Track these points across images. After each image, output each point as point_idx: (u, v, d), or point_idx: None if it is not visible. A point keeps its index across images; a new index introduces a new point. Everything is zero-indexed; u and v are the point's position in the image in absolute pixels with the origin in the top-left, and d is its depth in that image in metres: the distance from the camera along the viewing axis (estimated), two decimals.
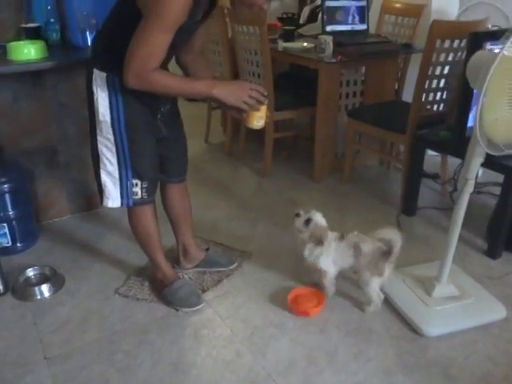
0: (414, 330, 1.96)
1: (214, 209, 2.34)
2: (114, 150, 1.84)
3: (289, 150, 3.67)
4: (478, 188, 3.05)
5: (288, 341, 1.92)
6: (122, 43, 1.59)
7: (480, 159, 1.81)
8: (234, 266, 2.32)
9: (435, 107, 2.83)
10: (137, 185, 1.89)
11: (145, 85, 1.62)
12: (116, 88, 1.74)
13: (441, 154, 3.03)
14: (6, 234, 2.40)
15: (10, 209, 2.38)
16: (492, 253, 2.43)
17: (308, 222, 2.05)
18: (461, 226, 1.98)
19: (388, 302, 2.12)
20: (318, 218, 2.07)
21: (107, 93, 1.75)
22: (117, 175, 1.88)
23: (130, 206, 1.95)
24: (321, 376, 1.76)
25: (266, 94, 1.74)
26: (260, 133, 3.31)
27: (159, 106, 1.88)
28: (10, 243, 2.42)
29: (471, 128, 2.28)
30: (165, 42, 1.58)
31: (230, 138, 3.69)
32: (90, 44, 2.38)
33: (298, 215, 2.08)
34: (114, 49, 1.67)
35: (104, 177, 1.90)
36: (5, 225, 2.39)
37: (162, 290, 2.12)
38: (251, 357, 1.84)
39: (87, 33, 2.43)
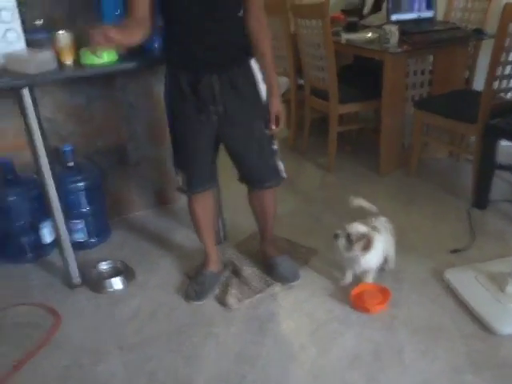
0: (485, 328, 1.89)
1: (279, 204, 2.35)
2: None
3: (353, 143, 3.63)
4: None
5: (353, 336, 1.90)
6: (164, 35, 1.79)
7: None
8: (296, 282, 2.20)
9: (508, 95, 2.68)
10: (178, 174, 2.02)
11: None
12: (166, 77, 1.90)
13: None
14: (82, 229, 2.53)
15: (85, 205, 2.52)
16: None
17: (349, 237, 2.01)
18: None
19: (458, 298, 2.05)
20: (358, 228, 2.03)
21: (165, 83, 1.92)
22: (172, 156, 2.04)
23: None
24: (386, 373, 1.73)
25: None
26: (324, 127, 3.31)
27: (198, 73, 1.80)
28: (86, 238, 2.55)
29: None
30: None
31: (294, 132, 3.69)
32: (156, 46, 2.45)
33: (336, 236, 2.04)
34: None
35: None
36: (81, 220, 2.52)
37: (195, 272, 2.23)
38: (315, 351, 1.84)
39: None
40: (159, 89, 2.61)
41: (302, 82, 3.48)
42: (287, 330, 1.97)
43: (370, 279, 2.13)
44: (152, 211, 2.92)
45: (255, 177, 2.06)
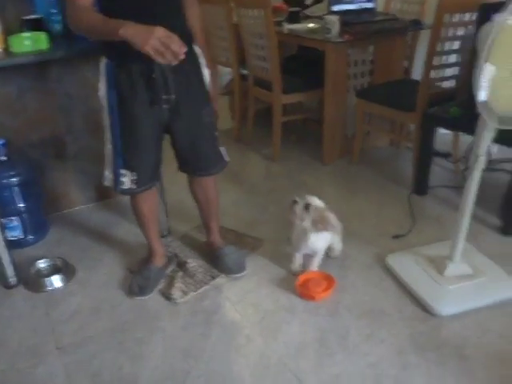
0: (426, 310, 1.94)
1: (224, 195, 2.34)
2: (109, 134, 1.86)
3: (298, 133, 3.65)
4: (493, 165, 2.99)
5: (299, 324, 1.91)
6: None
7: (490, 134, 1.77)
8: (242, 274, 2.19)
9: (445, 84, 2.76)
10: (125, 175, 1.89)
11: (75, 24, 1.65)
12: (109, 71, 1.77)
13: (452, 132, 2.97)
14: (17, 226, 2.41)
15: (20, 202, 2.39)
16: (505, 230, 2.39)
17: (307, 207, 2.02)
18: (474, 204, 1.94)
19: (400, 282, 2.09)
20: (317, 202, 2.04)
21: (104, 76, 1.79)
22: (111, 159, 1.91)
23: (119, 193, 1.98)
24: (332, 358, 1.75)
25: (184, 49, 1.49)
26: (268, 118, 3.30)
27: (151, 62, 1.62)
28: (22, 235, 2.44)
29: (482, 103, 2.24)
30: None
31: (238, 123, 3.66)
32: None
33: (295, 202, 2.04)
34: None
35: (106, 155, 1.93)
36: (16, 217, 2.40)
37: (139, 267, 2.19)
38: (262, 341, 1.84)
39: None
40: (96, 77, 2.54)
41: (245, 72, 3.45)
42: (233, 321, 1.94)
43: (315, 266, 2.14)
44: (92, 206, 2.82)
45: (202, 164, 2.03)
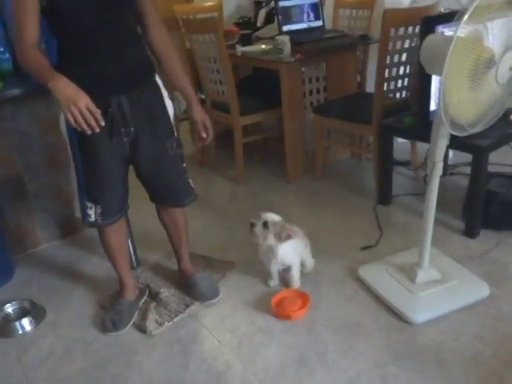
0: (401, 318, 1.96)
1: (192, 220, 2.32)
2: (73, 167, 1.84)
3: (260, 153, 3.67)
4: (451, 170, 3.09)
5: (277, 345, 1.90)
6: (59, 54, 1.69)
7: (445, 141, 1.83)
8: (216, 299, 2.17)
9: (398, 95, 2.85)
10: (91, 208, 1.87)
11: (21, 63, 1.65)
12: None
13: (409, 141, 3.05)
14: None
15: None
16: (470, 232, 2.45)
17: (266, 224, 2.05)
18: (436, 209, 1.99)
19: (373, 293, 2.12)
20: (273, 217, 2.08)
21: None
22: (77, 193, 1.89)
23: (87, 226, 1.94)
24: (313, 377, 1.75)
25: (101, 122, 1.58)
26: (230, 140, 3.31)
27: (107, 95, 1.71)
28: None
29: (434, 112, 2.31)
30: (21, 12, 1.59)
31: (201, 148, 3.66)
32: None
33: (253, 225, 2.07)
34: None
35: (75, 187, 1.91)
36: None
37: (111, 302, 2.15)
38: (241, 366, 1.82)
39: None
40: (52, 113, 2.50)
41: (202, 96, 3.47)
42: (211, 348, 1.92)
43: (296, 281, 2.17)
44: (58, 243, 2.76)
45: (172, 196, 2.02)
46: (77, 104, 1.53)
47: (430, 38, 1.67)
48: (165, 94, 1.88)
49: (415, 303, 2.01)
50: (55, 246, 2.74)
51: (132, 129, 1.78)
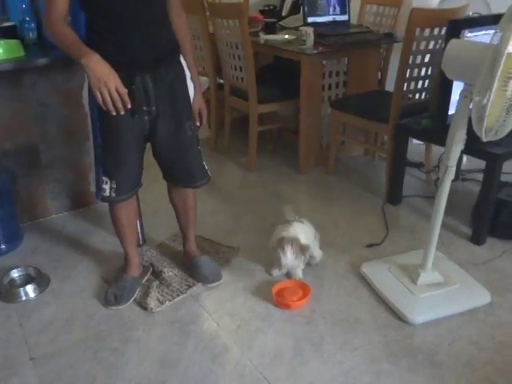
0: (400, 318, 1.97)
1: (201, 203, 2.35)
2: (91, 141, 1.87)
3: (274, 142, 3.67)
4: (463, 175, 3.08)
5: (274, 333, 1.92)
6: (87, 27, 1.68)
7: (460, 146, 1.82)
8: (218, 283, 2.19)
9: (417, 96, 2.83)
10: (106, 182, 1.89)
11: (51, 34, 1.67)
12: None
13: (424, 143, 3.04)
14: None
15: None
16: (476, 239, 2.45)
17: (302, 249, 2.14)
18: (445, 213, 1.99)
19: (374, 291, 2.13)
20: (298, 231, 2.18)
21: (87, 84, 1.74)
22: (94, 166, 1.92)
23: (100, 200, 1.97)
24: (307, 366, 1.77)
25: (128, 105, 1.66)
26: (245, 127, 3.32)
27: (132, 73, 1.73)
28: None
29: (451, 116, 2.30)
30: None
31: (215, 132, 3.68)
32: None
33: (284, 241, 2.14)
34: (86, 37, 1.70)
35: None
36: None
37: (114, 277, 2.17)
38: (238, 350, 1.84)
39: None
40: (72, 85, 2.54)
41: (221, 81, 3.48)
42: (209, 330, 1.95)
43: (299, 275, 2.19)
44: (68, 214, 2.80)
45: (187, 176, 2.05)
46: (107, 84, 1.59)
47: (455, 42, 1.66)
48: (188, 74, 1.90)
49: (415, 304, 2.02)
50: (65, 216, 2.77)
51: (154, 108, 1.80)
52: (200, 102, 1.99)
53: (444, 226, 2.03)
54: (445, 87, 2.22)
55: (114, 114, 1.64)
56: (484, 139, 1.58)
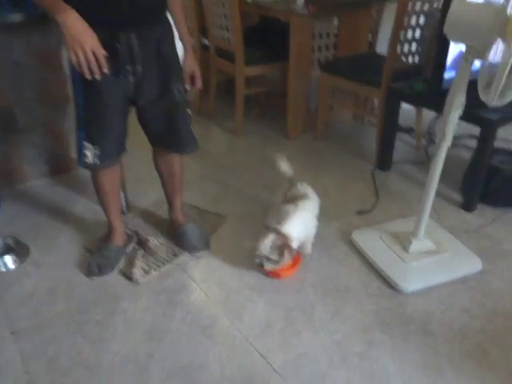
0: (391, 286, 1.94)
1: (187, 170, 2.26)
2: (72, 104, 1.75)
3: (260, 106, 3.57)
4: (453, 141, 3.02)
5: (264, 303, 1.88)
6: None
7: (459, 111, 1.75)
8: (205, 251, 2.13)
9: (410, 59, 2.74)
10: (89, 148, 1.79)
11: None
12: None
13: (416, 108, 2.96)
14: None
15: None
16: (467, 206, 2.42)
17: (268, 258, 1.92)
18: (439, 182, 1.94)
19: (365, 259, 2.09)
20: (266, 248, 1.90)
21: None
22: (75, 131, 1.80)
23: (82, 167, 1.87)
24: (298, 337, 1.73)
25: (104, 69, 1.56)
26: (230, 90, 3.21)
27: (116, 30, 1.60)
28: None
29: (448, 80, 2.23)
30: None
31: (200, 95, 3.55)
32: None
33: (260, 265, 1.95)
34: None
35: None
36: None
37: (98, 246, 2.09)
38: (227, 321, 1.80)
39: None
40: (50, 45, 2.39)
41: (206, 42, 3.33)
42: (197, 300, 1.89)
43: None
44: (47, 180, 2.68)
45: (174, 142, 1.95)
46: (83, 45, 1.49)
47: (458, 3, 1.55)
48: (175, 33, 1.78)
49: (407, 272, 1.99)
50: (44, 183, 2.66)
51: (139, 68, 1.69)
52: (192, 63, 1.86)
53: (435, 192, 1.98)
54: (441, 50, 2.14)
55: (90, 78, 1.54)
56: (491, 104, 1.51)
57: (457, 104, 1.72)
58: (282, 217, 1.94)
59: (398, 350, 1.69)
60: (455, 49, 2.15)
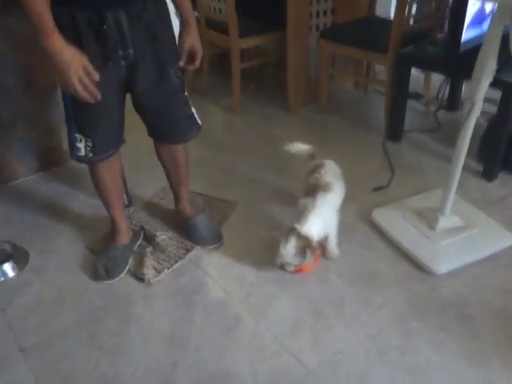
0: (421, 268, 1.83)
1: None
2: (60, 93, 1.58)
3: (256, 80, 3.37)
4: (461, 104, 2.87)
5: (289, 297, 1.75)
6: None
7: (490, 78, 1.61)
8: (219, 244, 1.99)
9: (417, 22, 2.57)
10: (81, 141, 1.63)
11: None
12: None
13: (424, 72, 2.80)
14: None
15: None
16: (488, 175, 2.30)
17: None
18: (450, 147, 1.81)
19: (388, 240, 1.97)
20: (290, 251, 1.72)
21: None
22: (66, 124, 1.64)
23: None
24: (331, 332, 1.61)
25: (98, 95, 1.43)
26: (223, 65, 3.01)
27: (102, 9, 1.41)
28: None
29: (466, 43, 2.07)
30: None
31: (192, 72, 3.34)
32: None
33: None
34: None
35: None
36: None
37: (103, 246, 1.95)
38: (252, 320, 1.67)
39: None
40: (26, 27, 2.17)
41: (196, 13, 3.11)
42: (217, 299, 1.76)
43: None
44: (39, 176, 2.49)
45: (173, 131, 1.79)
46: (71, 76, 1.37)
47: None
48: (171, 8, 1.58)
49: (436, 252, 1.87)
50: (36, 179, 2.47)
51: (131, 51, 1.49)
52: (193, 39, 1.64)
53: (447, 160, 1.84)
54: (458, 11, 1.98)
55: (91, 101, 1.43)
56: None
57: (488, 70, 1.57)
58: (300, 214, 1.76)
59: (439, 339, 1.58)
60: (473, 8, 1.99)
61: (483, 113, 2.65)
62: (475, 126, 1.77)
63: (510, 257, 1.87)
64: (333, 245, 1.87)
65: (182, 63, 1.66)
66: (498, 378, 1.46)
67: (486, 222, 2.00)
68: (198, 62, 1.69)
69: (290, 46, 2.81)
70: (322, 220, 1.76)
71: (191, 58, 1.67)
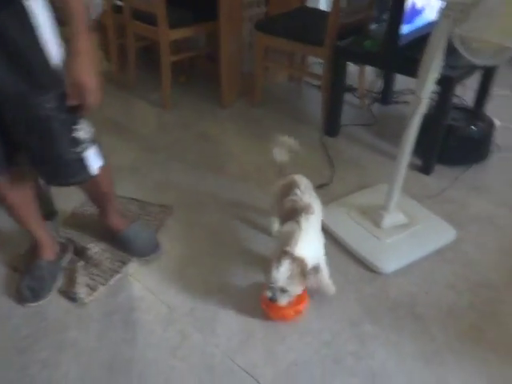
0: (369, 268, 1.79)
1: (115, 155, 1.91)
2: None
3: (186, 73, 3.22)
4: (395, 98, 2.89)
5: (236, 308, 1.65)
6: None
7: (436, 74, 1.57)
8: (157, 254, 1.84)
9: (353, 15, 2.53)
10: None
11: None
12: None
13: (359, 66, 2.78)
14: None
15: None
16: (426, 168, 2.31)
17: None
18: (385, 140, 1.81)
19: (335, 239, 1.91)
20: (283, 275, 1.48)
21: None
22: None
23: None
24: (284, 343, 1.53)
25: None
26: (150, 57, 2.83)
27: None
28: None
29: (406, 36, 2.05)
30: None
31: (117, 65, 3.13)
32: None
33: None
34: None
35: None
36: None
37: (26, 264, 1.75)
38: (200, 336, 1.55)
39: None
40: None
41: (119, 2, 2.90)
42: (159, 316, 1.62)
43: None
44: None
45: (45, 172, 1.49)
46: None
47: None
48: (46, 24, 1.26)
49: (383, 251, 1.85)
50: None
51: None
52: (79, 71, 1.27)
53: (385, 154, 1.81)
54: (397, 5, 1.94)
55: None
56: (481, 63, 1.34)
57: (435, 66, 1.54)
58: (288, 239, 1.54)
59: (393, 341, 1.54)
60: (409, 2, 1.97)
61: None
62: (405, 118, 1.73)
63: (453, 251, 1.88)
64: (326, 277, 1.68)
65: (70, 101, 1.32)
66: (452, 376, 1.44)
67: (428, 216, 2.00)
68: (93, 99, 1.33)
69: (222, 38, 2.68)
70: (311, 242, 1.58)
71: (79, 95, 1.31)
